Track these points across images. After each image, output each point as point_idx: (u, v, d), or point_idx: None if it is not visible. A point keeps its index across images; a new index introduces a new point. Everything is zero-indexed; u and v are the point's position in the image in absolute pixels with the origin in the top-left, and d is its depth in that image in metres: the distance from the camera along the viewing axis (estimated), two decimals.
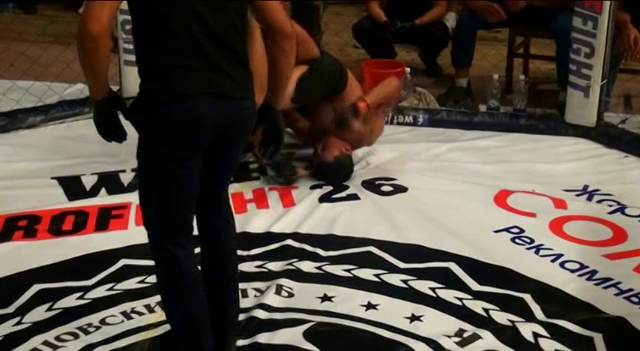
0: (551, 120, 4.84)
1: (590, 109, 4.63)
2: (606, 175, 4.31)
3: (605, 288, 3.30)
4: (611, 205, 3.95)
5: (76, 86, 5.10)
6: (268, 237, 3.62)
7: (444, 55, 5.63)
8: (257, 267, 3.40)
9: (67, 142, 4.54)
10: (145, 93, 2.48)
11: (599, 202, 4.00)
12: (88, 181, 4.07)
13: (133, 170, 4.18)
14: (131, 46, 4.86)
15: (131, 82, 4.94)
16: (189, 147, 2.50)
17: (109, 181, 4.08)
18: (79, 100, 4.92)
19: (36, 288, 3.17)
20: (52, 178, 4.09)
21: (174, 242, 2.60)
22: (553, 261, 3.49)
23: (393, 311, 3.08)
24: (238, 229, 3.62)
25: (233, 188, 4.06)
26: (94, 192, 3.98)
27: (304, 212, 3.83)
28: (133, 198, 3.90)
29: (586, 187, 4.15)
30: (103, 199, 3.92)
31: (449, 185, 4.14)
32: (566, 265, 3.46)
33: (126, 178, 4.12)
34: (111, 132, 2.65)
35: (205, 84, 2.45)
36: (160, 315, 3.03)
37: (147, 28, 2.46)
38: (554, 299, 3.20)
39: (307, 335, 2.95)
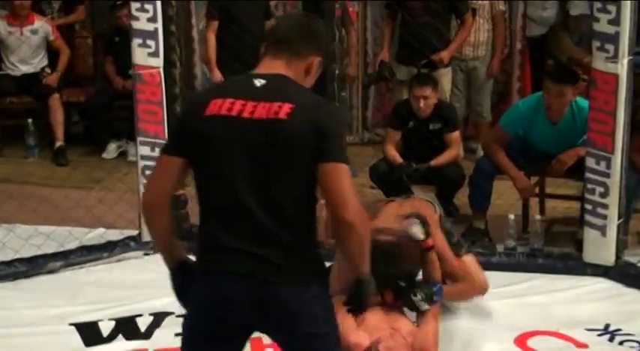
0: (569, 259, 4.83)
1: (608, 248, 4.62)
2: (628, 314, 4.26)
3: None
4: (633, 346, 3.91)
5: (96, 231, 5.17)
6: None
7: (461, 195, 5.67)
8: None
9: (86, 287, 4.56)
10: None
11: (621, 342, 3.96)
12: (105, 327, 4.07)
13: (150, 314, 4.19)
14: None
15: None
16: (210, 327, 2.47)
17: (126, 327, 4.08)
18: (99, 246, 4.97)
19: None
20: (70, 324, 4.09)
21: None
22: None
23: None
24: None
25: None
26: (111, 338, 3.98)
27: None
28: (149, 344, 3.91)
29: (607, 326, 4.10)
30: (120, 344, 3.92)
31: (468, 324, 4.11)
32: None
33: (143, 322, 4.12)
34: (182, 302, 2.62)
35: (237, 264, 2.41)
36: None
37: (199, 197, 2.51)
38: None
39: None
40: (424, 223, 3.80)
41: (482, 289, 4.14)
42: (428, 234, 3.80)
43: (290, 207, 2.39)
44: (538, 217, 5.13)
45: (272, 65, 2.52)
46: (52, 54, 7.19)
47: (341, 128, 2.46)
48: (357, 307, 2.64)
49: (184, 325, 2.56)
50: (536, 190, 5.51)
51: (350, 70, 6.62)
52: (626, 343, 3.94)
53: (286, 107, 2.40)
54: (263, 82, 2.47)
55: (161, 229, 2.51)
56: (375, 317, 3.69)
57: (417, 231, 3.77)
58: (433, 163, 5.54)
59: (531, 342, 3.97)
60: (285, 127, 2.38)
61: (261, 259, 2.39)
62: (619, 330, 4.06)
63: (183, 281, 2.55)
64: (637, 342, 3.94)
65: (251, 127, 2.40)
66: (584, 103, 4.90)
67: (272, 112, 2.40)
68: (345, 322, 3.61)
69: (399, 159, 5.60)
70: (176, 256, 2.57)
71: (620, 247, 4.66)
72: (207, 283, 2.46)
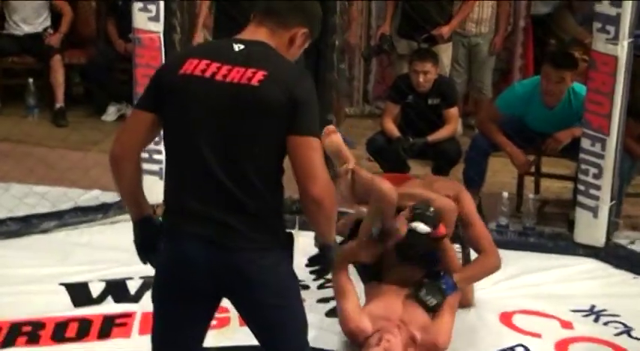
0: (560, 239, 4.85)
1: (599, 229, 4.64)
2: (614, 296, 4.29)
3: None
4: (617, 327, 3.93)
5: (91, 192, 5.19)
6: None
7: (456, 170, 5.68)
8: None
9: (79, 248, 4.58)
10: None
11: (606, 323, 3.98)
12: (96, 288, 4.10)
13: (140, 278, 4.22)
14: (146, 155, 4.92)
15: (145, 189, 5.01)
16: (173, 289, 2.51)
17: (116, 289, 4.10)
18: (94, 207, 5.00)
19: None
20: (60, 284, 4.12)
21: None
22: None
23: None
24: (243, 342, 3.64)
25: None
26: (100, 299, 4.01)
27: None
28: (138, 307, 3.94)
29: (593, 306, 4.13)
30: (109, 306, 3.94)
31: None
32: None
33: (133, 285, 4.14)
34: (142, 256, 2.66)
35: (197, 227, 2.42)
36: None
37: (166, 156, 2.55)
38: None
39: None
40: (427, 215, 3.61)
41: (500, 261, 3.97)
42: (435, 224, 3.63)
43: (255, 174, 2.39)
44: (532, 196, 5.15)
45: (255, 32, 2.53)
46: (55, 15, 7.17)
47: (314, 100, 2.44)
48: (320, 271, 2.64)
49: (153, 286, 2.59)
50: (532, 168, 5.53)
51: (350, 38, 6.60)
52: (610, 324, 3.97)
53: (260, 74, 2.39)
54: (242, 47, 2.46)
55: (128, 183, 2.53)
56: (386, 306, 3.61)
57: (419, 226, 3.59)
58: (430, 138, 5.55)
59: (517, 320, 3.99)
60: (256, 94, 2.37)
61: (222, 225, 2.40)
62: (604, 311, 4.09)
63: (146, 236, 2.57)
64: (621, 323, 3.97)
65: (222, 91, 2.40)
66: (580, 88, 4.92)
67: (245, 78, 2.39)
68: (348, 306, 3.57)
69: (396, 133, 5.61)
70: (144, 210, 2.59)
71: (611, 228, 4.68)
72: (170, 245, 2.50)
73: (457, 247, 4.00)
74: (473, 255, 4.03)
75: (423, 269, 3.74)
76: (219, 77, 2.41)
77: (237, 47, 2.47)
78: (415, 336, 3.52)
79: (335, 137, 3.89)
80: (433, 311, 3.62)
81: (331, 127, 3.96)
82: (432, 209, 3.63)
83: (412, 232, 3.60)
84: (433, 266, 3.74)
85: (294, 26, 2.54)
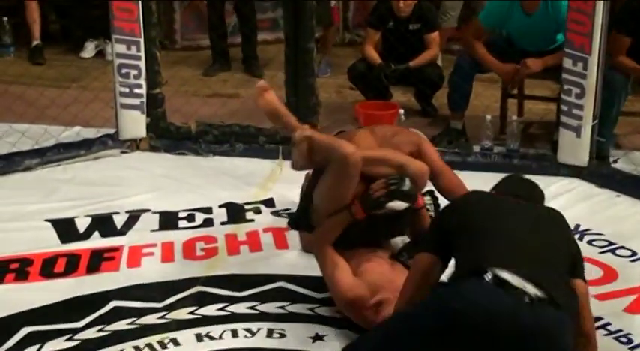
0: (544, 160, 4.86)
1: (583, 149, 4.65)
2: (598, 214, 4.31)
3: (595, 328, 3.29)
4: (602, 246, 3.96)
5: (73, 129, 5.15)
6: (261, 279, 3.63)
7: (440, 95, 5.68)
8: (248, 308, 3.41)
9: (63, 185, 4.56)
10: None
11: (590, 241, 4.01)
12: (82, 224, 4.08)
13: (126, 212, 4.21)
14: (127, 90, 4.91)
15: (127, 124, 4.99)
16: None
17: (103, 224, 4.09)
18: (76, 143, 4.95)
19: (25, 330, 3.17)
20: (46, 220, 4.10)
21: None
22: None
23: None
24: (232, 271, 3.68)
25: (226, 229, 4.09)
26: (87, 234, 3.99)
27: (297, 255, 3.84)
28: (125, 240, 3.95)
29: (577, 226, 4.14)
30: (96, 241, 3.93)
31: None
32: None
33: (119, 220, 4.13)
34: None
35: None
36: None
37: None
38: None
39: None
40: (404, 191, 3.29)
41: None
42: (414, 198, 3.35)
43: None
44: (515, 118, 5.15)
45: None
46: None
47: None
48: None
49: None
50: (514, 91, 5.52)
51: None
52: (595, 242, 3.99)
53: None
54: None
55: None
56: (379, 274, 3.32)
57: (397, 205, 3.32)
58: (412, 63, 5.53)
59: None
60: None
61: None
62: (589, 229, 4.11)
63: None
64: (606, 241, 4.01)
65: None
66: None
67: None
68: (344, 275, 3.30)
69: (377, 59, 5.59)
70: None
71: (594, 147, 4.69)
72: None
73: (427, 199, 3.87)
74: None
75: (388, 229, 3.56)
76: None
77: None
78: None
79: (269, 96, 3.72)
80: None
81: (262, 83, 3.77)
82: (408, 183, 3.30)
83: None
84: (400, 226, 3.57)
85: None
